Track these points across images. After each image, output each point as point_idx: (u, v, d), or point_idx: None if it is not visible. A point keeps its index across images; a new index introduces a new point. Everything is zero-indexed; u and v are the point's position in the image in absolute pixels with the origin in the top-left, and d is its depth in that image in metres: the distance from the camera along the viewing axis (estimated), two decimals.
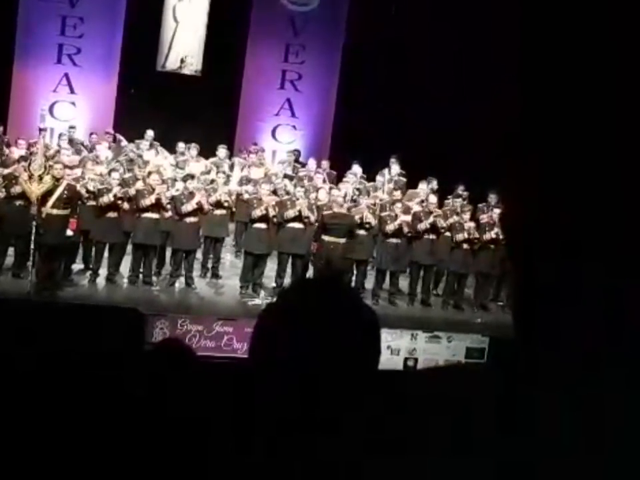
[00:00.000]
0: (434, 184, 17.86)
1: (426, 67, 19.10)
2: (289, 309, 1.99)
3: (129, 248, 15.14)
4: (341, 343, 1.90)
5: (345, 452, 0.86)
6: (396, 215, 15.65)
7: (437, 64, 18.80)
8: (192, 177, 15.76)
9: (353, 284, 15.30)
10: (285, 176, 18.11)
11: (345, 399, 0.94)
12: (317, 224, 15.25)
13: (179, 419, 2.92)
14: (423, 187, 17.80)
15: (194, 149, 18.05)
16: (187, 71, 22.20)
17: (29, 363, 9.05)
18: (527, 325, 0.93)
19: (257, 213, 15.12)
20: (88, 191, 14.68)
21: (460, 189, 17.87)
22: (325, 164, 19.39)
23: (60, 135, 18.82)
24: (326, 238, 14.98)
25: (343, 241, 15.08)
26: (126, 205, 14.66)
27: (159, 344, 5.13)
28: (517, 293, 0.96)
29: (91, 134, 19.34)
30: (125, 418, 3.01)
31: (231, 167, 18.00)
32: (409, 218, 15.85)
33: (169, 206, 14.90)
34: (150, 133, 18.68)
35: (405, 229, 15.60)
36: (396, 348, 13.73)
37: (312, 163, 18.98)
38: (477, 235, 15.81)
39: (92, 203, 14.67)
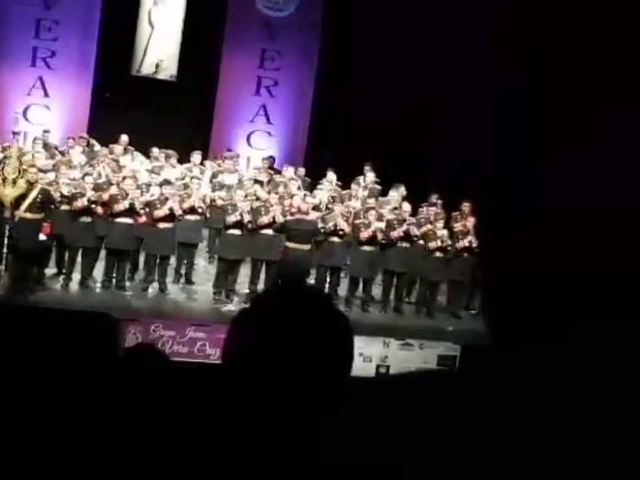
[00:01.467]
0: (402, 190, 17.91)
1: (402, 74, 19.11)
2: (262, 314, 1.99)
3: (103, 253, 15.09)
4: (314, 349, 1.91)
5: (313, 456, 0.87)
6: (370, 223, 15.67)
7: (413, 71, 18.82)
8: (168, 182, 15.71)
9: (326, 291, 15.30)
10: (256, 181, 18.08)
11: (317, 404, 0.94)
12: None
13: (154, 423, 2.92)
14: (393, 195, 17.83)
15: (173, 157, 17.95)
16: (162, 75, 22.14)
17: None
18: (500, 331, 0.94)
19: (232, 219, 15.11)
20: (62, 195, 14.62)
21: (434, 198, 17.89)
22: (301, 171, 19.39)
23: (34, 139, 18.70)
24: (290, 245, 14.99)
25: (307, 247, 15.10)
26: (100, 210, 14.61)
27: (131, 349, 5.11)
28: (489, 300, 0.97)
29: (69, 138, 19.18)
30: (99, 421, 3.01)
31: (203, 173, 17.95)
32: (382, 225, 15.88)
33: (142, 211, 14.85)
34: (124, 138, 18.58)
35: (379, 237, 15.62)
36: (368, 355, 13.74)
37: (288, 170, 18.95)
38: (450, 243, 15.85)
39: (65, 207, 14.61)
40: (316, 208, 16.32)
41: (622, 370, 0.84)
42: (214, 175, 17.92)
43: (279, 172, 19.46)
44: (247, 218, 15.10)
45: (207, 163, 18.69)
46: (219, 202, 16.21)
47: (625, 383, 0.83)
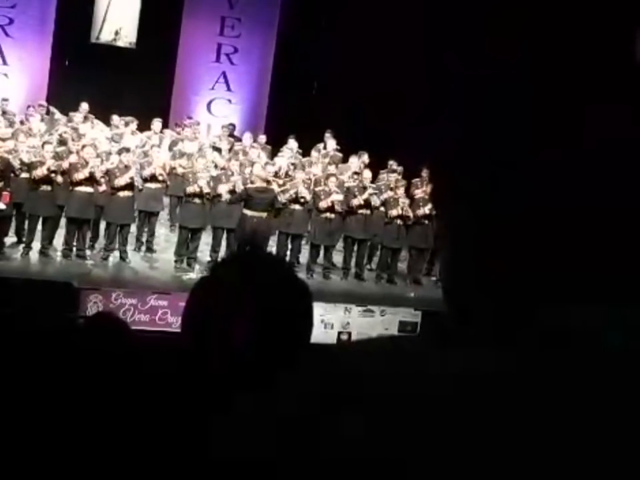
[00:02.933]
0: (365, 158, 17.88)
1: (361, 41, 19.05)
2: (222, 282, 2.01)
3: (63, 221, 15.01)
4: (273, 316, 1.93)
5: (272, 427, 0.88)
6: (330, 190, 15.68)
7: (372, 38, 18.77)
8: (127, 150, 15.63)
9: (287, 258, 15.32)
10: (214, 148, 17.98)
11: (278, 372, 0.94)
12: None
13: (114, 393, 2.94)
14: (353, 161, 17.79)
15: (134, 124, 17.82)
16: (121, 43, 21.95)
17: None
18: (458, 300, 0.95)
19: (190, 190, 15.08)
20: (22, 163, 14.50)
21: (394, 164, 17.88)
22: (262, 138, 19.33)
23: None
24: (248, 212, 14.99)
25: (265, 215, 15.11)
26: (59, 178, 14.51)
27: (92, 317, 5.12)
28: (447, 268, 0.98)
29: (29, 106, 18.93)
30: (60, 393, 3.02)
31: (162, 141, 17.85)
32: (341, 197, 15.78)
33: (102, 179, 14.78)
34: (84, 106, 18.40)
35: (338, 208, 15.63)
36: (329, 322, 13.80)
37: (248, 137, 18.90)
38: (410, 211, 15.89)
39: (25, 175, 14.50)
40: (276, 175, 16.31)
41: (621, 370, 0.84)
42: (173, 143, 17.84)
43: (239, 139, 19.40)
44: (206, 189, 15.06)
45: (166, 131, 18.61)
46: (180, 170, 16.15)
47: (625, 383, 0.83)
